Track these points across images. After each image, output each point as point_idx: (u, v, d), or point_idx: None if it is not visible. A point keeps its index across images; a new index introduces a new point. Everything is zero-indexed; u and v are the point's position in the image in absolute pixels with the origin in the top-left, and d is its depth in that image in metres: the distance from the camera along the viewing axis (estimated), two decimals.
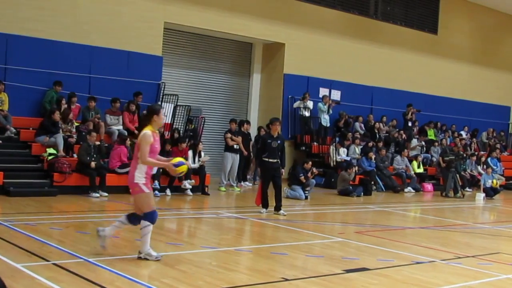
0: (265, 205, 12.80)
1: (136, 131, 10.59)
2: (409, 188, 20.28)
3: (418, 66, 25.33)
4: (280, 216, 12.51)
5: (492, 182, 20.51)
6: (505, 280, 8.03)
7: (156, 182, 14.81)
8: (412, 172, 20.85)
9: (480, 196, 19.62)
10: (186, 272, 7.32)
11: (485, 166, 22.57)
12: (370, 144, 20.80)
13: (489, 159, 23.63)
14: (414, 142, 22.68)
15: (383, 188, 19.80)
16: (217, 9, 19.74)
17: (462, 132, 25.84)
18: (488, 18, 28.20)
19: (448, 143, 23.62)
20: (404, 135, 22.60)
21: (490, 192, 20.07)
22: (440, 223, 13.55)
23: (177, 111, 18.23)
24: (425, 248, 9.89)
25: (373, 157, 20.08)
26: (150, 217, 7.66)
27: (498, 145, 25.71)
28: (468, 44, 27.60)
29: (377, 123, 22.67)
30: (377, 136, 22.10)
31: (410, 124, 23.53)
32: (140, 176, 7.62)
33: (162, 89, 18.43)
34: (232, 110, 21.55)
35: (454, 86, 26.68)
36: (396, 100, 24.05)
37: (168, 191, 15.24)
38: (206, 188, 16.02)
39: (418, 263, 8.72)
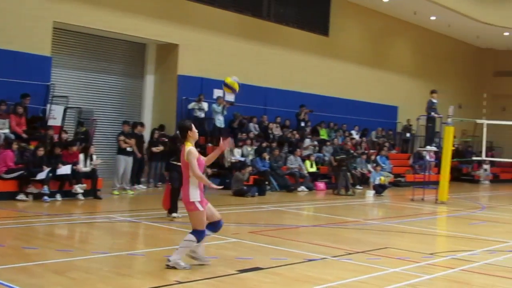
0: (175, 209, 12.35)
1: (25, 135, 10.17)
2: (302, 187, 20.64)
3: (310, 67, 25.85)
4: (175, 218, 12.39)
5: (380, 179, 21.23)
6: (392, 274, 8.31)
7: (46, 187, 14.34)
8: (305, 171, 21.26)
9: (370, 193, 20.29)
10: (77, 279, 7.12)
11: (374, 164, 23.30)
12: (264, 144, 21.02)
13: (378, 157, 24.44)
14: (307, 142, 23.11)
15: (277, 188, 20.06)
16: (109, 9, 19.35)
17: (353, 132, 26.59)
18: (377, 21, 29.19)
19: (340, 142, 24.23)
20: (297, 135, 23.01)
21: (379, 189, 20.78)
22: (332, 220, 13.86)
23: (68, 113, 17.72)
24: (317, 246, 10.09)
25: (267, 157, 20.31)
26: (200, 235, 7.89)
27: (386, 144, 26.64)
28: (358, 46, 28.46)
29: (271, 124, 22.95)
30: (271, 136, 22.38)
31: (303, 124, 23.99)
32: (194, 193, 7.77)
33: (51, 90, 17.85)
34: (125, 112, 21.17)
35: (345, 86, 27.42)
36: (289, 101, 24.43)
37: (58, 196, 14.77)
38: (98, 192, 15.64)
39: (310, 260, 8.88)
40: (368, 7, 28.24)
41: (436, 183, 19.81)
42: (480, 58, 37.29)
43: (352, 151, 23.34)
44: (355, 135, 26.43)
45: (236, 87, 9.02)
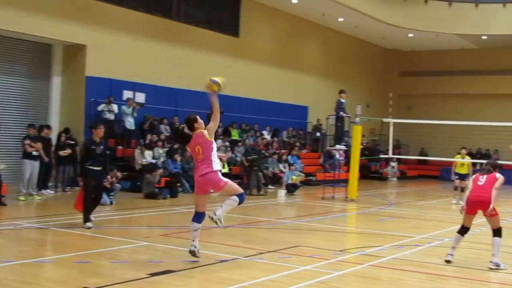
0: (88, 218, 11.64)
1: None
2: None
3: (221, 68, 25.77)
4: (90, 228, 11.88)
5: (292, 178, 21.49)
6: (303, 272, 8.41)
7: None
8: None
9: (282, 192, 20.49)
10: None
11: (286, 164, 23.55)
12: (176, 146, 20.86)
13: (289, 157, 24.72)
14: (219, 142, 23.06)
15: (190, 189, 19.90)
16: (13, 8, 18.64)
17: (264, 132, 26.77)
18: (287, 22, 29.51)
19: (251, 142, 24.35)
20: None
21: (291, 188, 21.03)
22: (244, 220, 13.88)
23: None
24: (229, 246, 10.10)
25: (179, 159, 20.16)
26: (241, 197, 9.20)
27: (297, 143, 27.00)
28: (268, 47, 28.69)
29: (182, 125, 22.76)
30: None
31: None
32: (219, 169, 8.95)
33: None
34: (30, 114, 20.46)
35: (256, 87, 27.56)
36: (201, 102, 24.18)
37: None
38: (3, 198, 15.04)
39: (222, 261, 8.87)
40: (277, 8, 28.52)
41: (346, 181, 20.25)
42: (386, 59, 38.39)
43: (263, 151, 23.51)
44: (267, 135, 26.62)
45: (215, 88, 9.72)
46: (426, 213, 17.16)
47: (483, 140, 32.89)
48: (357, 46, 35.20)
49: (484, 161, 18.99)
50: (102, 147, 12.02)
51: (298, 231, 12.59)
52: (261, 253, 9.53)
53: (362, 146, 22.41)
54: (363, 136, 23.78)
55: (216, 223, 8.81)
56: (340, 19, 30.37)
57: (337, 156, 22.20)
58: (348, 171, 20.47)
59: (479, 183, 9.57)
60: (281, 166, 23.83)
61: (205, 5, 25.55)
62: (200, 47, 24.91)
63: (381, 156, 28.79)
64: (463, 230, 9.65)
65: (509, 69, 34.88)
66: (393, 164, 32.49)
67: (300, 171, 24.03)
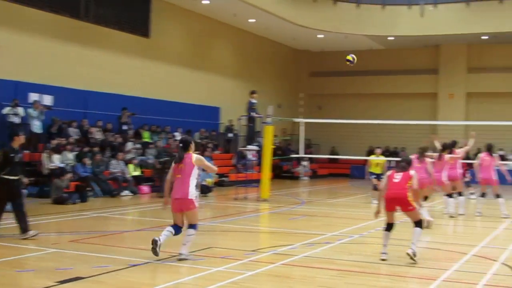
0: (27, 227, 10.97)
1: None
2: (126, 191, 20.28)
3: (132, 70, 25.49)
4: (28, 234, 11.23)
5: (207, 181, 21.44)
6: (216, 273, 8.40)
7: None
8: (129, 175, 20.92)
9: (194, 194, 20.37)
10: None
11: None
12: (85, 149, 20.42)
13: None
14: (130, 145, 22.76)
15: (100, 193, 19.55)
16: None
17: (176, 133, 26.57)
18: (198, 23, 29.40)
19: (163, 144, 24.13)
20: (119, 139, 22.59)
21: (205, 190, 20.96)
22: (157, 224, 13.71)
23: None
24: (141, 250, 9.94)
25: (89, 162, 19.73)
26: (197, 228, 9.48)
27: (210, 145, 26.95)
28: (179, 48, 28.51)
29: (91, 128, 22.34)
30: (92, 140, 21.78)
31: (125, 127, 23.59)
32: (193, 192, 9.46)
33: None
34: None
35: (168, 88, 27.34)
36: (111, 104, 23.88)
37: None
38: None
39: (134, 265, 8.74)
40: (188, 9, 28.38)
41: (258, 181, 20.37)
42: (297, 59, 38.90)
43: (175, 153, 23.28)
44: (179, 137, 26.41)
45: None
46: (336, 211, 17.50)
47: (391, 138, 33.84)
48: (268, 47, 35.51)
49: (395, 159, 19.65)
50: (20, 155, 11.53)
51: (211, 233, 12.56)
52: (174, 256, 9.44)
53: (274, 146, 22.60)
54: (274, 136, 23.95)
55: (155, 249, 9.13)
56: (251, 20, 30.55)
57: (250, 156, 22.31)
58: (260, 171, 20.60)
59: (395, 180, 9.86)
60: None
61: (114, 5, 25.09)
62: (109, 48, 24.48)
63: (293, 155, 29.14)
64: (389, 227, 9.91)
65: (414, 69, 36.11)
66: (304, 163, 32.96)
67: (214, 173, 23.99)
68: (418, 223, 9.73)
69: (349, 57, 16.45)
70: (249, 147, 20.87)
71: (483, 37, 32.96)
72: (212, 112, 30.44)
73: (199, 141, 27.55)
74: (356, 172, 34.16)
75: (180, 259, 9.11)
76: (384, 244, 9.80)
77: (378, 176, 18.90)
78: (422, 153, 14.61)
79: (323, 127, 33.75)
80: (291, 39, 35.24)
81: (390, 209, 9.85)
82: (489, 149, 16.72)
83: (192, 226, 9.42)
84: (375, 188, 18.93)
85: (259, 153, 21.57)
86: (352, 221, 15.10)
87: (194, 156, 9.67)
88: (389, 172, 10.16)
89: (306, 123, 22.85)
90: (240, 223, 14.17)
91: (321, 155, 34.62)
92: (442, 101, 35.43)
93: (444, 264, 9.39)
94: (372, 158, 20.02)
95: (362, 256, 10.10)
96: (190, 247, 9.41)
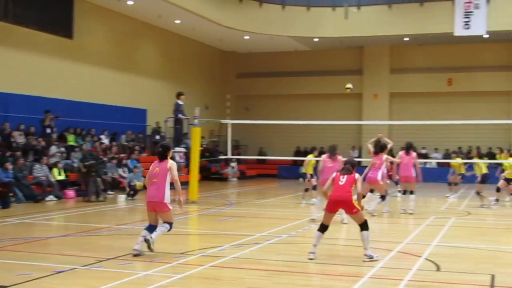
0: None
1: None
2: (51, 196, 19.78)
3: (55, 71, 24.90)
4: None
5: (137, 184, 21.20)
6: (144, 277, 8.32)
7: None
8: (53, 180, 20.43)
9: (122, 197, 20.12)
10: None
11: (126, 168, 23.14)
12: (7, 153, 19.81)
13: (129, 161, 24.33)
14: (54, 149, 22.23)
15: (23, 199, 19.00)
16: None
17: (102, 136, 26.14)
18: (123, 24, 29.00)
19: (89, 148, 23.69)
20: (43, 142, 22.03)
21: (133, 192, 20.72)
22: (83, 228, 13.48)
23: None
24: (67, 256, 9.74)
25: (10, 167, 19.15)
26: (172, 226, 10.33)
27: (137, 147, 26.64)
28: (104, 49, 28.03)
29: (13, 132, 21.71)
30: (14, 145, 21.17)
31: (48, 131, 23.02)
32: (168, 196, 10.25)
33: None
34: None
35: (93, 90, 26.83)
36: (33, 107, 23.28)
37: None
38: None
39: (59, 272, 8.54)
40: (113, 10, 27.93)
41: (186, 183, 20.24)
42: (224, 61, 38.94)
43: (101, 157, 22.96)
44: (105, 140, 26.02)
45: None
46: (265, 212, 17.60)
47: (318, 138, 34.26)
48: (195, 48, 35.39)
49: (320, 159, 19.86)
50: None
51: (138, 236, 12.37)
52: (100, 261, 9.28)
53: (201, 148, 22.54)
54: (202, 137, 23.88)
55: (150, 246, 9.84)
56: (177, 21, 30.37)
57: (177, 158, 22.13)
58: (188, 173, 20.50)
59: (340, 183, 10.00)
60: (120, 171, 23.39)
61: (35, 5, 24.37)
62: (31, 49, 23.83)
63: (221, 157, 29.14)
64: (323, 228, 9.97)
65: (339, 69, 36.70)
66: (233, 164, 33.02)
67: (141, 176, 23.70)
68: (364, 226, 9.82)
69: (348, 85, 18.69)
70: (177, 149, 20.72)
71: (405, 39, 33.83)
72: (139, 114, 30.08)
73: (125, 144, 27.23)
74: (284, 172, 34.48)
75: (147, 240, 9.82)
76: (314, 244, 9.88)
77: (311, 176, 19.07)
78: (333, 152, 14.93)
79: (250, 128, 33.92)
80: (217, 40, 35.24)
81: (332, 210, 9.97)
82: (408, 148, 17.24)
83: (168, 223, 10.25)
84: (314, 187, 18.97)
85: (187, 155, 21.46)
86: (280, 221, 15.21)
87: (170, 162, 10.34)
88: (334, 174, 10.29)
89: (233, 124, 22.88)
90: None
91: (249, 156, 34.76)
92: (366, 101, 36.16)
93: (371, 262, 9.56)
94: (309, 158, 20.11)
95: (291, 256, 10.18)
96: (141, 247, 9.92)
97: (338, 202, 9.90)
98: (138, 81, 30.28)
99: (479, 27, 29.44)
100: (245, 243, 11.34)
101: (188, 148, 21.19)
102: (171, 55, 33.08)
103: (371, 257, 9.63)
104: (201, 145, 22.02)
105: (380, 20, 31.98)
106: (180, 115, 20.16)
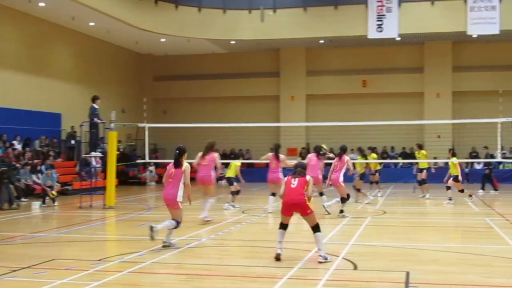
0: None
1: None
2: None
3: None
4: None
5: (53, 186, 20.69)
6: (59, 286, 8.13)
7: None
8: None
9: (36, 204, 19.57)
10: None
11: (40, 174, 22.53)
12: None
13: (43, 167, 23.69)
14: None
15: None
16: None
17: (15, 142, 25.36)
18: (35, 26, 28.19)
19: (1, 154, 22.91)
20: None
21: (45, 199, 20.21)
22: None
23: None
24: None
25: None
26: (179, 224, 11.49)
27: (51, 152, 25.98)
28: (14, 52, 27.17)
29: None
30: None
31: None
32: (181, 195, 11.36)
33: None
34: None
35: (4, 95, 25.96)
36: None
37: None
38: None
39: None
40: (24, 11, 27.09)
41: (104, 188, 19.92)
42: (140, 64, 38.50)
43: (14, 163, 22.25)
44: (17, 145, 25.25)
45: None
46: (184, 215, 17.41)
47: (236, 141, 34.46)
48: (110, 51, 34.86)
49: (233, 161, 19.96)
50: None
51: (54, 244, 12.10)
52: (14, 271, 9.00)
53: (118, 152, 22.21)
54: (119, 141, 23.57)
55: (152, 234, 10.87)
56: (91, 24, 29.81)
57: (94, 163, 21.76)
58: (105, 178, 20.16)
59: (292, 186, 10.10)
60: (34, 177, 22.74)
61: None
62: None
63: (139, 161, 28.80)
64: (283, 226, 10.14)
65: (257, 72, 37.02)
66: (151, 168, 32.69)
67: (56, 181, 23.14)
68: (316, 228, 9.93)
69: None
70: (93, 153, 20.34)
71: (320, 41, 34.42)
72: (53, 119, 29.33)
73: (39, 149, 26.50)
74: None
75: (152, 227, 10.90)
76: (279, 241, 10.02)
77: (232, 181, 19.13)
78: (208, 150, 15.54)
79: (168, 132, 33.64)
80: (133, 43, 34.82)
81: (287, 214, 10.10)
82: (316, 150, 17.58)
83: (175, 221, 11.38)
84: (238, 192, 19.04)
85: (104, 159, 21.10)
86: (200, 225, 15.17)
87: (184, 165, 11.46)
88: (285, 178, 10.40)
89: (151, 127, 22.68)
90: (86, 232, 13.78)
91: (168, 160, 34.36)
92: (284, 103, 36.54)
93: (290, 262, 9.66)
94: (236, 161, 20.11)
95: (211, 259, 10.18)
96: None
97: (292, 206, 10.01)
98: (52, 84, 29.54)
99: (391, 30, 30.31)
100: (164, 247, 11.24)
101: (104, 152, 20.83)
102: (86, 58, 32.44)
103: (325, 258, 9.77)
104: (118, 150, 21.68)
105: (295, 23, 32.39)
106: (96, 119, 19.79)
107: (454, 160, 20.23)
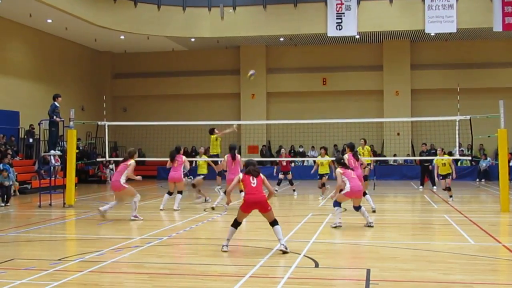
0: None
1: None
2: None
3: None
4: None
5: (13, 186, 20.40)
6: (19, 286, 8.04)
7: None
8: None
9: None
10: None
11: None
12: None
13: (1, 165, 23.27)
14: None
15: None
16: None
17: None
18: None
19: None
20: None
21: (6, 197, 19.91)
22: None
23: None
24: None
25: None
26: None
27: (9, 151, 25.56)
28: None
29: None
30: None
31: None
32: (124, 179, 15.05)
33: None
34: None
35: None
36: None
37: None
38: None
39: None
40: None
41: (63, 187, 19.70)
42: (99, 61, 38.14)
43: None
44: None
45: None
46: (145, 214, 17.38)
47: (197, 139, 34.29)
48: (69, 48, 34.45)
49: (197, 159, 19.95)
50: None
51: (13, 244, 11.93)
52: None
53: (78, 150, 21.96)
54: (78, 140, 23.28)
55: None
56: (49, 21, 29.43)
57: (53, 161, 21.50)
58: (65, 176, 19.93)
59: (252, 184, 10.37)
60: None
61: None
62: None
63: (99, 159, 28.54)
64: (236, 224, 10.45)
65: (218, 69, 37.02)
66: (111, 166, 32.40)
67: (14, 180, 22.79)
68: (275, 221, 10.41)
69: (250, 73, 19.68)
70: (52, 152, 20.09)
71: (280, 39, 34.54)
72: (11, 117, 28.86)
73: None
74: (163, 173, 34.17)
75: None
76: (228, 239, 10.35)
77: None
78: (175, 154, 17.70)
79: (128, 130, 33.38)
80: (92, 40, 34.51)
81: (247, 211, 10.42)
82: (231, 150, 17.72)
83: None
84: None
85: (63, 158, 20.86)
86: (160, 223, 15.13)
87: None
88: (241, 176, 10.60)
89: (111, 125, 22.48)
90: (45, 232, 13.61)
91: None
92: (245, 101, 36.58)
93: (251, 261, 9.70)
94: (201, 159, 20.13)
95: (172, 258, 10.16)
96: None
97: (254, 203, 10.32)
98: (9, 82, 29.08)
99: (350, 28, 30.57)
100: (125, 246, 11.17)
101: (63, 151, 20.59)
102: (44, 55, 32.00)
103: (286, 247, 10.18)
104: (78, 148, 21.44)
105: (255, 21, 32.46)
106: (55, 117, 19.55)
107: (446, 157, 20.61)
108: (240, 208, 10.43)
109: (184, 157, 17.99)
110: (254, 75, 19.72)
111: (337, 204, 13.59)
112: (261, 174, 10.55)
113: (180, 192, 17.79)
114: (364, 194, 16.38)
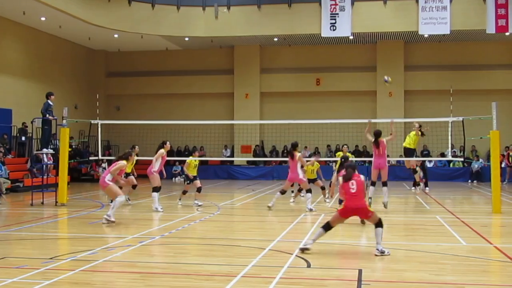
0: None
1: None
2: None
3: None
4: None
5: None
6: (11, 284, 8.01)
7: None
8: None
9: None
10: None
11: None
12: None
13: None
14: None
15: None
16: None
17: None
18: None
19: None
20: None
21: None
22: None
23: None
24: None
25: None
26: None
27: (2, 149, 25.49)
28: None
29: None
30: None
31: None
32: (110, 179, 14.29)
33: None
34: None
35: None
36: None
37: None
38: None
39: None
40: None
41: (56, 185, 19.66)
42: (93, 60, 38.06)
43: None
44: None
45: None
46: (138, 213, 17.38)
47: (190, 138, 34.29)
48: (63, 47, 34.38)
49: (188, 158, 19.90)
50: None
51: (5, 242, 11.89)
52: None
53: (71, 149, 21.91)
54: (71, 138, 23.24)
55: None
56: (43, 19, 29.35)
57: (46, 160, 21.45)
58: (57, 174, 19.89)
59: (352, 190, 10.33)
60: None
61: None
62: None
63: (92, 158, 28.49)
64: (327, 227, 10.53)
65: (212, 69, 37.00)
66: (104, 165, 32.31)
67: (6, 178, 22.73)
68: (378, 224, 10.32)
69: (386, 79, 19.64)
70: (45, 150, 20.05)
71: (274, 39, 34.55)
72: (3, 115, 28.77)
73: None
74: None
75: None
76: (313, 239, 10.54)
77: (195, 178, 19.04)
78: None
79: (122, 128, 33.30)
80: (86, 38, 34.43)
81: (346, 217, 10.51)
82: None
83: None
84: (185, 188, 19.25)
85: (56, 156, 20.82)
86: (153, 222, 15.11)
87: (121, 162, 14.97)
88: (341, 181, 10.56)
89: (104, 124, 22.45)
90: (37, 230, 13.58)
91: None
92: (238, 101, 36.58)
93: (243, 260, 9.71)
94: (191, 159, 19.91)
95: (164, 257, 10.15)
96: None
97: (354, 210, 10.39)
98: (2, 80, 28.99)
99: (344, 29, 30.64)
100: (117, 245, 11.16)
101: (56, 149, 20.54)
102: (38, 53, 31.92)
103: (382, 252, 10.13)
104: (70, 146, 21.40)
105: (249, 21, 32.47)
106: (48, 115, 19.51)
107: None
108: (338, 212, 10.46)
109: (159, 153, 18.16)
110: (388, 81, 19.77)
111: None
112: (361, 176, 10.50)
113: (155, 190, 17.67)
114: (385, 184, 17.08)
